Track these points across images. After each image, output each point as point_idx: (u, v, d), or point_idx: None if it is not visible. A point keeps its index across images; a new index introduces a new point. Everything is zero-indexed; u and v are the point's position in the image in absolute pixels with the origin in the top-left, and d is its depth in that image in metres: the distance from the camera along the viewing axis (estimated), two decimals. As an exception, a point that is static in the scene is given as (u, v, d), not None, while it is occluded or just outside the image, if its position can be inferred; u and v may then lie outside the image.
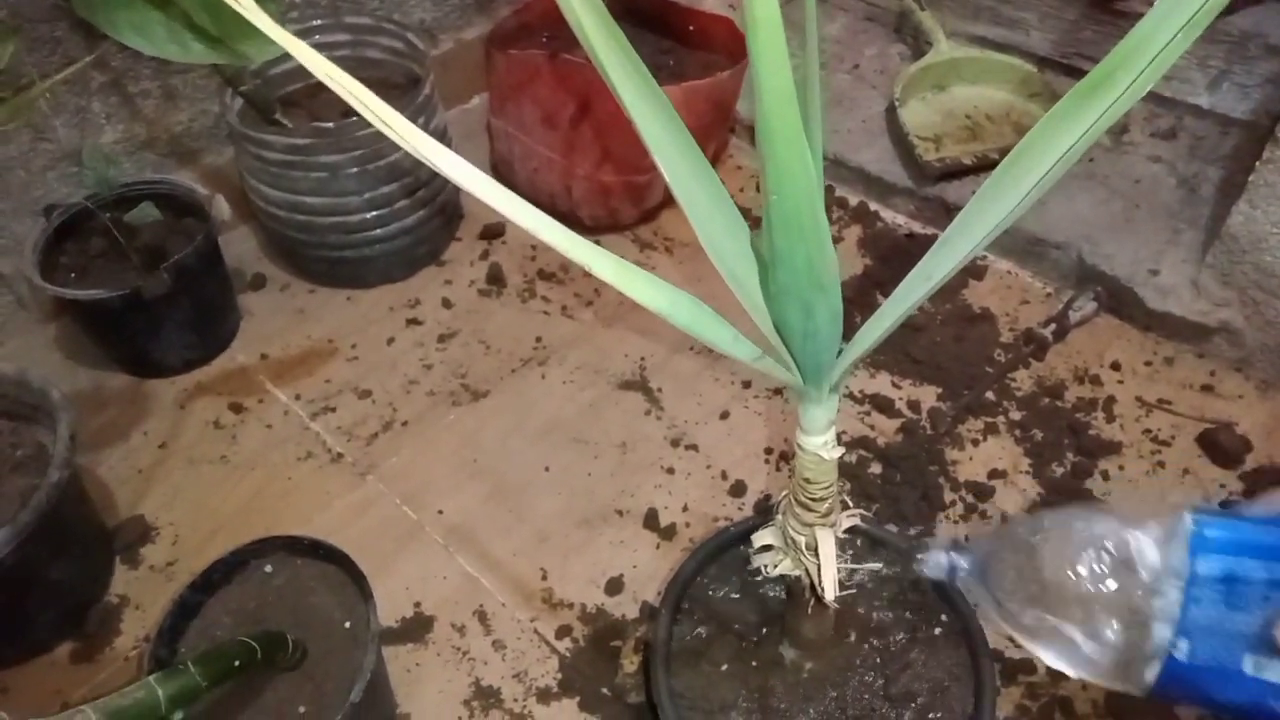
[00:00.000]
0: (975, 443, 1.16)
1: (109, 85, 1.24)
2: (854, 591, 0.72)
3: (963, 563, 0.51)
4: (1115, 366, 1.24)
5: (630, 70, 0.46)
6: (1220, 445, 1.13)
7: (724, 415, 1.20)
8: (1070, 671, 0.47)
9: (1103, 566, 0.46)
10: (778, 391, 1.22)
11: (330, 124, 1.18)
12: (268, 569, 0.91)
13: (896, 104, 1.44)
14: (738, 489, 1.12)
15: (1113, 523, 0.46)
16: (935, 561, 0.52)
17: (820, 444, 0.52)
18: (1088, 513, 0.48)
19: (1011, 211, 0.46)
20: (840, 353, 0.51)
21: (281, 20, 0.83)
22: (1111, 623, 0.45)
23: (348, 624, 0.87)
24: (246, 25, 0.76)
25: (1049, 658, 0.48)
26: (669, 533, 1.08)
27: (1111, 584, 0.45)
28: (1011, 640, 0.95)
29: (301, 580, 0.90)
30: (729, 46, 1.42)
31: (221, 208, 1.19)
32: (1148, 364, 1.25)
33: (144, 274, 1.15)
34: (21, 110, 0.86)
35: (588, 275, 1.27)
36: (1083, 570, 0.46)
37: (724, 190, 0.53)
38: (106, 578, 1.05)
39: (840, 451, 0.53)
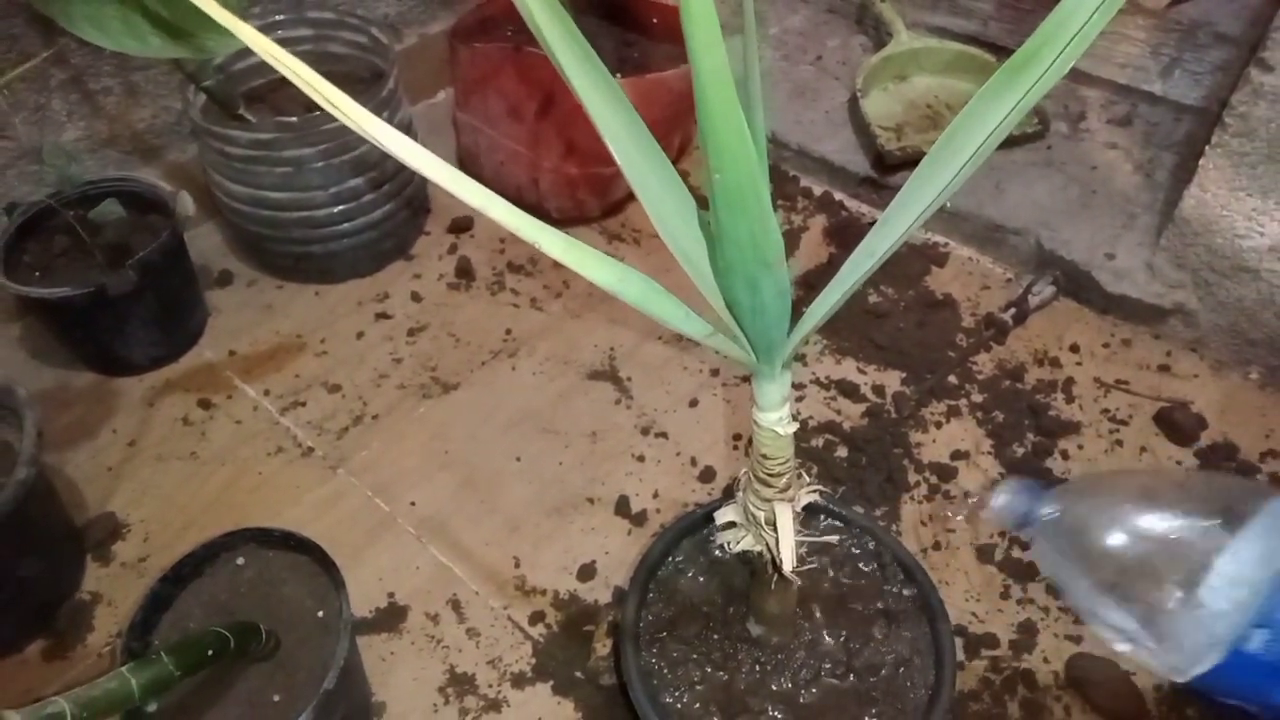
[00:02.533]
0: (938, 425, 1.19)
1: (69, 82, 1.24)
2: (814, 566, 0.74)
3: (1044, 511, 0.50)
4: (1074, 349, 1.27)
5: (579, 56, 0.47)
6: (1176, 423, 1.16)
7: (693, 403, 1.22)
8: (1119, 645, 0.47)
9: (1174, 547, 0.45)
10: (745, 379, 1.24)
11: (294, 118, 1.18)
12: (239, 561, 0.91)
13: (858, 95, 1.46)
14: (707, 475, 1.13)
15: (1190, 503, 0.46)
16: (1009, 507, 0.51)
17: (775, 420, 0.54)
18: (1167, 489, 0.47)
19: (947, 186, 0.47)
20: (790, 330, 0.52)
21: (243, 14, 0.83)
22: (1174, 597, 0.44)
23: (320, 613, 0.87)
24: (206, 18, 0.76)
25: (1103, 628, 0.48)
26: (640, 519, 1.09)
27: (1178, 563, 0.45)
28: (976, 615, 0.98)
29: (273, 572, 0.90)
30: (693, 38, 1.43)
31: (186, 204, 1.18)
32: (1105, 346, 1.28)
33: (109, 271, 1.14)
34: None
35: (556, 267, 1.28)
36: (1151, 545, 0.45)
37: (674, 172, 0.54)
38: (77, 575, 1.05)
39: (794, 427, 0.55)
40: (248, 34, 0.42)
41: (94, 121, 1.28)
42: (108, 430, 1.19)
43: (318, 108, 0.42)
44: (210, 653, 0.77)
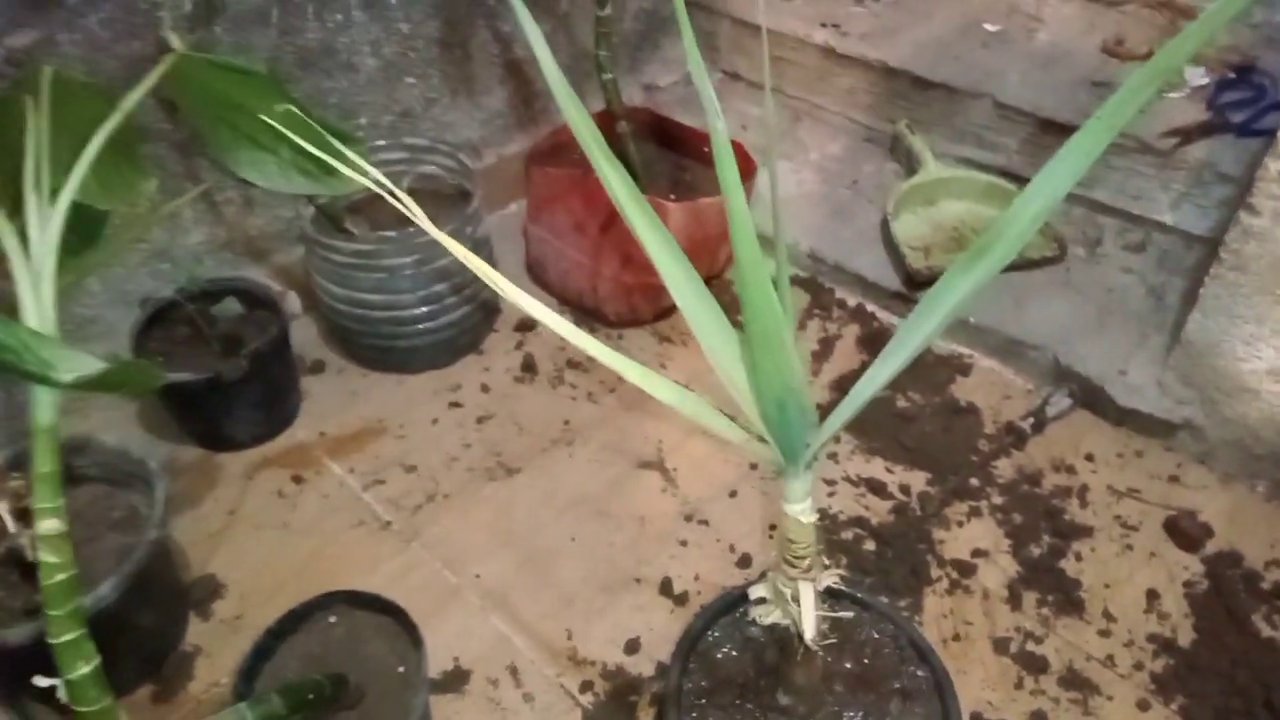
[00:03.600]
0: (960, 524, 1.29)
1: (199, 195, 1.43)
2: (834, 641, 0.84)
3: None
4: (1089, 457, 1.37)
5: (631, 195, 0.62)
6: (1184, 531, 1.25)
7: (733, 494, 1.33)
8: None
9: None
10: (781, 473, 1.36)
11: (392, 233, 1.36)
12: (331, 619, 1.04)
13: (890, 218, 1.61)
14: (744, 561, 1.24)
15: None
16: None
17: (799, 510, 0.66)
18: None
19: (926, 338, 0.60)
20: (813, 436, 0.65)
21: (364, 153, 1.01)
22: None
23: (400, 669, 0.99)
24: (335, 168, 0.93)
25: None
26: (682, 599, 1.20)
27: None
28: (991, 702, 1.06)
29: (360, 630, 1.03)
30: (739, 165, 1.60)
31: (293, 303, 1.36)
32: (1119, 455, 1.37)
33: (223, 360, 1.31)
34: (141, 226, 1.02)
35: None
36: None
37: (716, 305, 0.68)
38: (182, 628, 1.18)
39: (815, 517, 0.67)
40: (375, 177, 0.57)
41: (215, 228, 1.47)
42: (211, 500, 1.34)
43: (410, 223, 0.57)
44: (311, 697, 0.90)
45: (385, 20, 1.49)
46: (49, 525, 0.68)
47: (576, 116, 0.66)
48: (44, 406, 0.65)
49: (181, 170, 1.38)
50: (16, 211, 0.75)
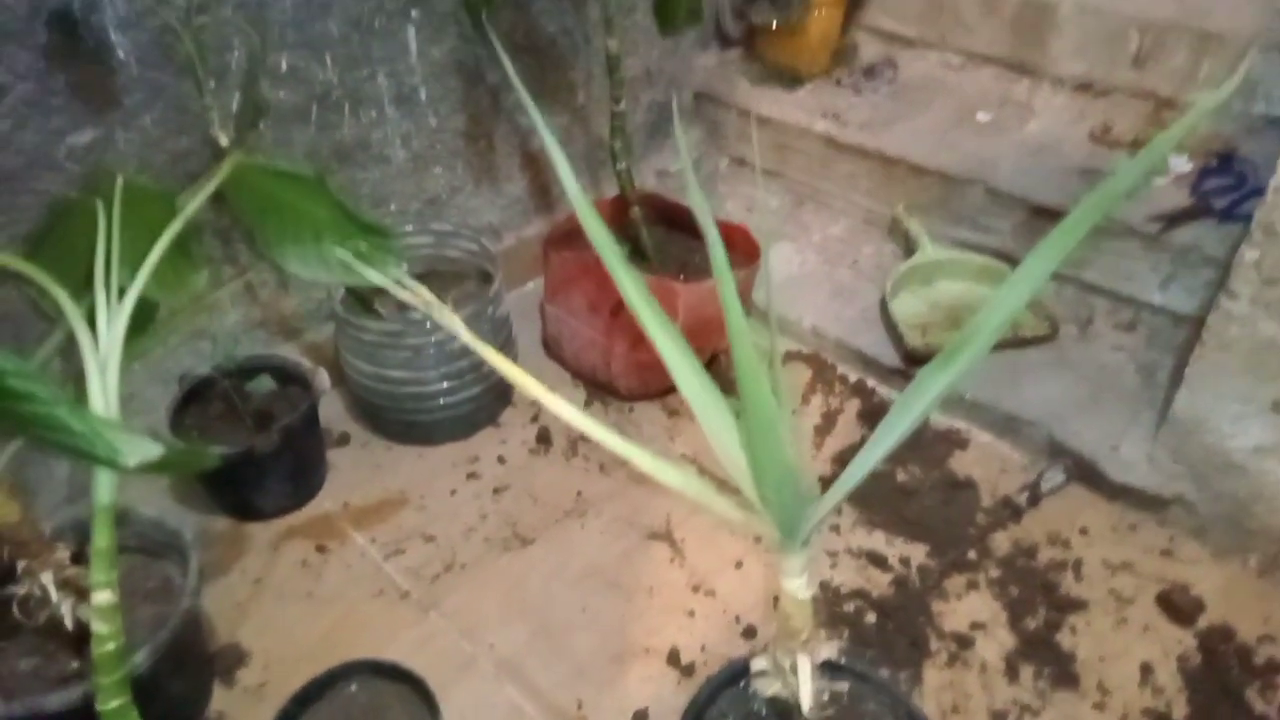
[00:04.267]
0: (959, 596, 1.33)
1: (235, 275, 1.52)
2: (833, 713, 0.88)
3: None
4: (1084, 531, 1.41)
5: (638, 291, 0.69)
6: (1177, 605, 1.29)
7: (738, 565, 1.38)
8: None
9: None
10: (786, 546, 1.41)
11: (418, 314, 1.44)
12: (353, 688, 1.09)
13: (888, 297, 1.69)
14: (750, 632, 1.29)
15: None
16: None
17: (796, 586, 0.71)
18: None
19: (919, 415, 0.66)
20: (808, 515, 0.71)
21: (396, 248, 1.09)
22: None
23: (419, 737, 1.04)
24: (374, 258, 1.02)
25: None
26: (689, 670, 1.24)
27: None
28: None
29: (381, 699, 1.08)
30: (744, 248, 1.69)
31: (323, 380, 1.43)
32: (1113, 529, 1.42)
33: (256, 434, 1.38)
34: (188, 314, 1.10)
35: (623, 438, 1.48)
36: None
37: (713, 386, 0.74)
38: (207, 695, 1.23)
39: (811, 593, 0.72)
40: (409, 288, 0.65)
41: (251, 308, 1.56)
42: (238, 569, 1.40)
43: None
44: (335, 763, 0.94)
45: (415, 116, 1.60)
46: (103, 597, 0.74)
47: (586, 212, 0.74)
48: (105, 487, 0.72)
49: (221, 254, 1.47)
50: (78, 297, 0.83)
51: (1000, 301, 0.63)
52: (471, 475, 1.55)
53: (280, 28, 1.36)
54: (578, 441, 1.61)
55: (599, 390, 1.72)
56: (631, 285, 0.71)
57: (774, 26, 1.92)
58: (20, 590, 1.03)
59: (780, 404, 0.68)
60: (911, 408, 0.67)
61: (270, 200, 0.91)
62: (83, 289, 0.81)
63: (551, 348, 1.77)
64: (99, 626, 0.75)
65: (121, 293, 0.78)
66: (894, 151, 1.81)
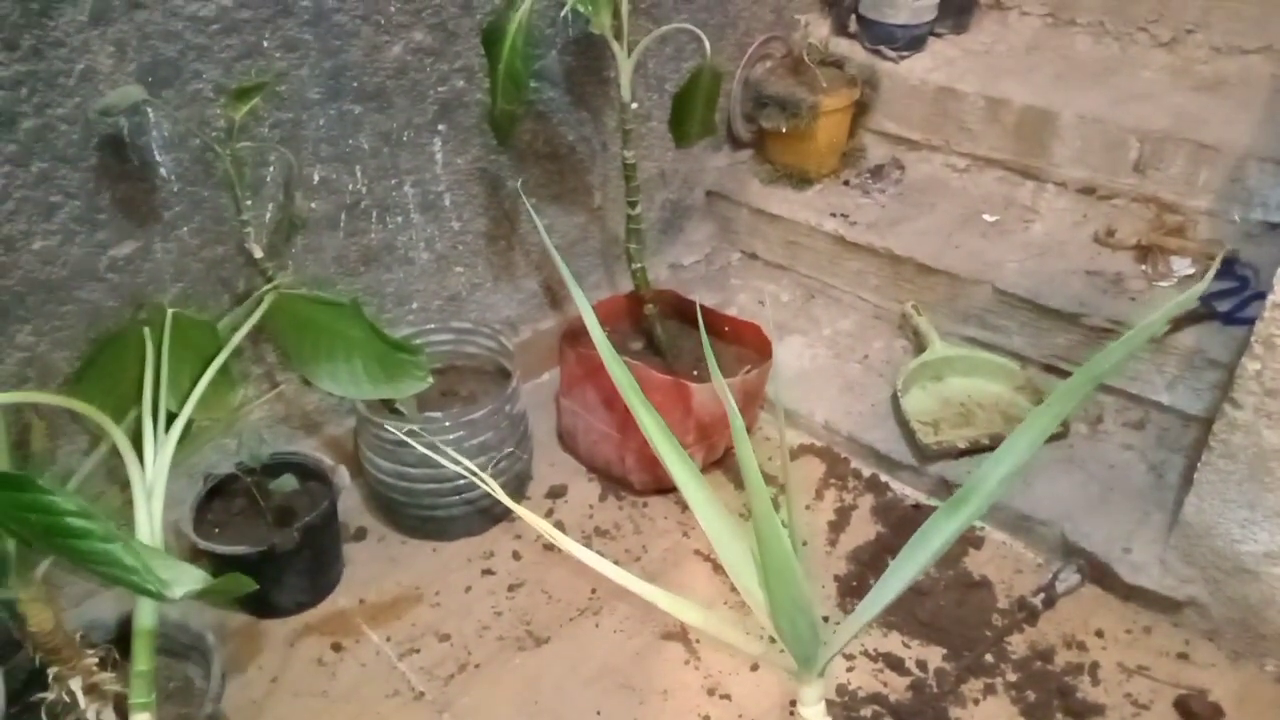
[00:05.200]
0: (976, 701, 1.32)
1: (261, 377, 1.56)
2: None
3: None
4: (1099, 634, 1.41)
5: (639, 402, 0.73)
6: (1194, 711, 1.28)
7: (754, 668, 1.38)
8: None
9: None
10: (801, 647, 1.41)
11: (438, 414, 1.48)
12: (369, 797, 1.09)
13: (899, 393, 1.72)
14: (765, 738, 1.28)
15: None
16: None
17: (813, 714, 0.73)
18: None
19: (912, 578, 0.69)
20: (820, 650, 0.72)
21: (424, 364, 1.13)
22: None
23: None
24: (400, 371, 1.05)
25: None
26: (705, 777, 1.24)
27: None
28: None
29: (397, 808, 1.08)
30: (757, 345, 1.73)
31: (343, 478, 1.46)
32: (1128, 632, 1.42)
33: (276, 531, 1.40)
34: (222, 427, 1.13)
35: (636, 533, 1.54)
36: None
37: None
38: (221, 798, 1.23)
39: (827, 721, 0.73)
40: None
41: (275, 405, 1.60)
42: (255, 667, 1.40)
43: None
44: None
45: (440, 220, 1.66)
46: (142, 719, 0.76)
47: (593, 324, 0.79)
48: (147, 613, 0.74)
49: (250, 355, 1.51)
50: (120, 419, 0.87)
51: (1009, 450, 0.66)
52: (486, 571, 1.56)
53: (314, 143, 1.43)
54: (592, 535, 1.63)
55: (613, 483, 1.74)
56: (637, 400, 0.74)
57: (783, 130, 2.00)
58: (50, 696, 1.05)
59: (797, 575, 0.70)
60: (929, 544, 0.70)
61: (307, 323, 0.96)
62: (127, 410, 0.84)
63: (566, 440, 1.80)
64: (135, 748, 0.76)
65: (171, 418, 0.82)
66: (901, 251, 1.86)
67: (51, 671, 1.04)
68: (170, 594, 0.65)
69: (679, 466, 0.75)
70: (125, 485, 0.95)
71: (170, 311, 0.87)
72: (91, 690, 1.07)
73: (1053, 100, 1.87)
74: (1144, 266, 1.75)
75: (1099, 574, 1.47)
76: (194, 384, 0.81)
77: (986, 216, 1.92)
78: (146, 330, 0.86)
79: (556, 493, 1.72)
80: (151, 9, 1.21)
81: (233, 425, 1.14)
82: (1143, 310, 1.63)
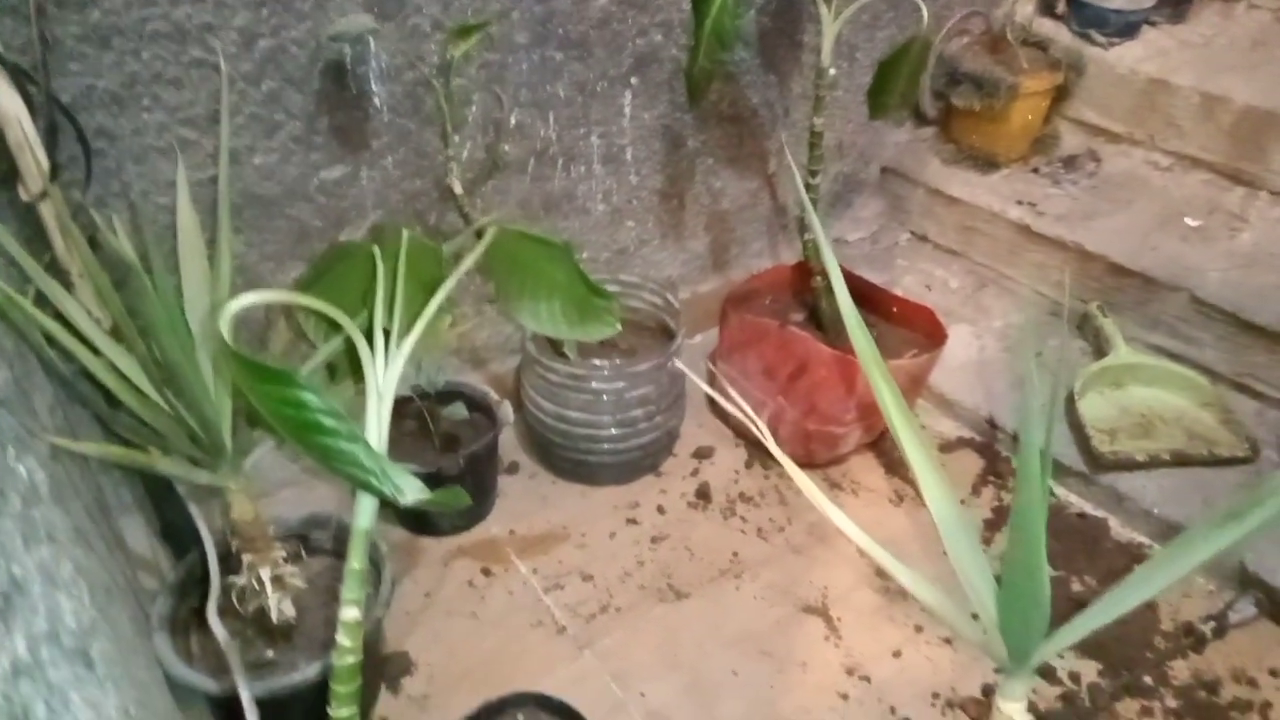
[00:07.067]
0: (1130, 722, 1.27)
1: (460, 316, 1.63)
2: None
3: None
4: (1274, 673, 1.32)
5: (879, 370, 0.71)
6: (1379, 770, 1.19)
7: (896, 654, 1.36)
8: None
9: None
10: (947, 641, 1.38)
11: (603, 362, 1.50)
12: (519, 718, 1.13)
13: (1076, 396, 1.64)
14: (905, 725, 1.27)
15: None
16: None
17: (1014, 709, 0.71)
18: None
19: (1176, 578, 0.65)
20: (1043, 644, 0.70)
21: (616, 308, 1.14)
22: None
23: (578, 777, 1.07)
24: (593, 315, 1.07)
25: None
26: (839, 753, 1.23)
27: None
28: None
29: (544, 733, 1.12)
30: (927, 329, 1.68)
31: (507, 413, 1.51)
32: (1308, 676, 1.32)
33: (443, 456, 1.46)
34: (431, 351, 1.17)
35: (782, 503, 1.53)
36: None
37: (959, 509, 0.75)
38: (374, 699, 1.30)
39: (1030, 718, 0.71)
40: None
41: (448, 337, 1.66)
42: (411, 581, 1.48)
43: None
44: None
45: (619, 174, 1.68)
46: (351, 614, 0.81)
47: (840, 288, 0.78)
48: (366, 514, 0.79)
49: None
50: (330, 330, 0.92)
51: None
52: (631, 520, 1.59)
53: (515, 87, 1.47)
54: (737, 501, 1.63)
55: (760, 452, 1.73)
56: (878, 371, 0.73)
57: (975, 110, 1.92)
58: (240, 580, 1.13)
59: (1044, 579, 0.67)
60: (1172, 568, 0.66)
61: (515, 261, 0.99)
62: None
63: (716, 404, 1.80)
64: (344, 640, 0.82)
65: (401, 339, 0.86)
66: (1093, 247, 1.76)
67: (246, 558, 1.13)
68: (402, 499, 0.69)
69: (912, 446, 0.74)
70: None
71: (406, 233, 0.91)
72: (277, 580, 1.15)
73: (1279, 102, 1.73)
74: (1367, 289, 1.60)
75: (1278, 610, 1.38)
76: (421, 305, 0.85)
77: (1189, 220, 1.80)
78: (376, 249, 0.90)
79: (703, 454, 1.72)
80: (385, -58, 1.26)
81: (430, 353, 1.19)
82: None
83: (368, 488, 0.68)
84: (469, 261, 0.92)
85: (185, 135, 1.23)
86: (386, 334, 0.85)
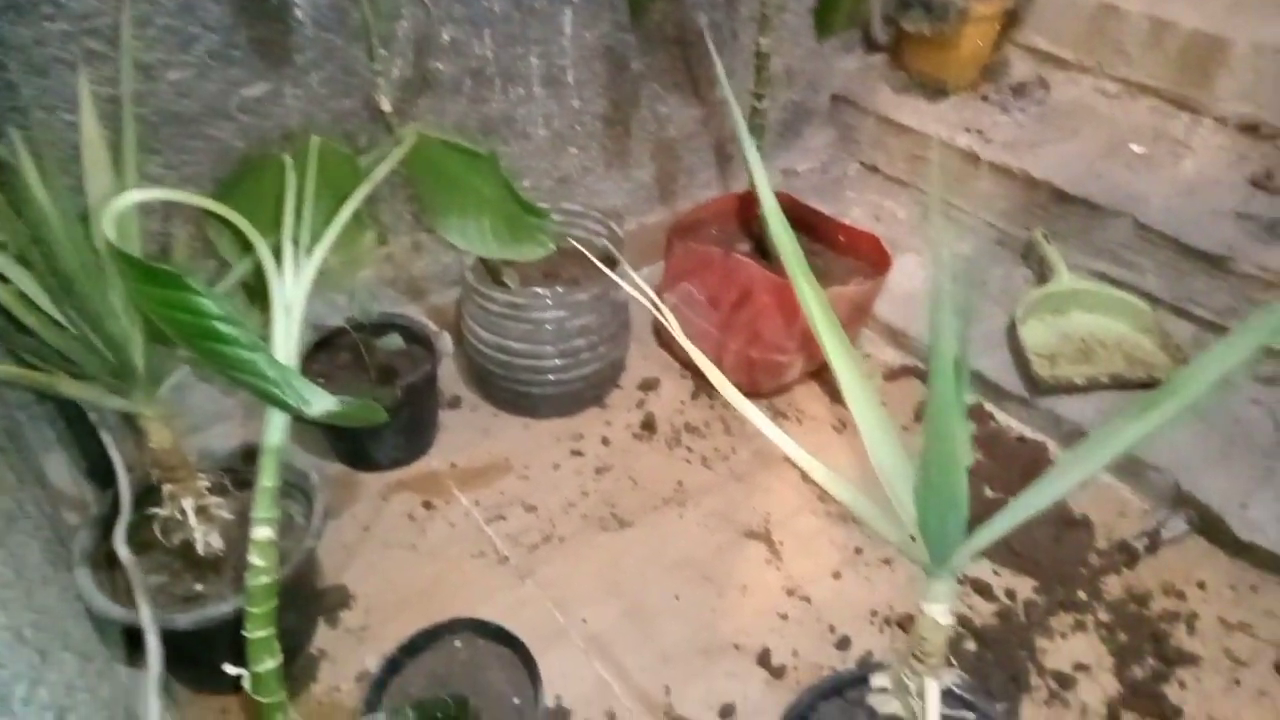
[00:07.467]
0: (1064, 636, 1.29)
1: (377, 234, 1.57)
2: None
3: None
4: (1201, 586, 1.36)
5: (810, 282, 0.70)
6: (1297, 676, 1.23)
7: (836, 575, 1.37)
8: None
9: None
10: (886, 561, 1.39)
11: (545, 291, 1.47)
12: (457, 644, 1.12)
13: (1018, 322, 1.64)
14: (844, 643, 1.28)
15: None
16: None
17: (938, 611, 0.70)
18: None
19: (1086, 475, 0.65)
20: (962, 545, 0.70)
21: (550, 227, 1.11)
22: None
23: (515, 700, 1.07)
24: (525, 234, 1.04)
25: None
26: (779, 672, 1.24)
27: None
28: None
29: (482, 658, 1.11)
30: (872, 258, 1.66)
31: (446, 344, 1.47)
32: (1232, 588, 1.36)
33: (379, 388, 1.42)
34: (349, 271, 1.13)
35: (727, 433, 1.53)
36: None
37: (877, 398, 0.74)
38: (311, 632, 1.28)
39: (951, 620, 0.71)
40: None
41: (384, 266, 1.61)
42: (349, 515, 1.45)
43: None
44: (439, 715, 0.98)
45: (561, 97, 1.62)
46: (263, 533, 0.78)
47: (775, 216, 0.75)
48: (276, 430, 0.76)
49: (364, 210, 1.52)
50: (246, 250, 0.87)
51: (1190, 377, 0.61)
52: (575, 452, 1.58)
53: (447, 1, 1.40)
54: (682, 431, 1.62)
55: (705, 382, 1.71)
56: (812, 297, 0.71)
57: (925, 34, 1.89)
58: (163, 512, 1.09)
59: (962, 474, 0.67)
60: (1079, 467, 0.66)
61: (442, 173, 0.95)
62: (263, 235, 0.85)
63: (662, 335, 1.78)
64: (256, 560, 0.79)
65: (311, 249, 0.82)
66: (1039, 174, 1.75)
67: (166, 489, 1.09)
68: (308, 410, 0.66)
69: (842, 362, 0.73)
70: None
71: (316, 139, 0.87)
72: (201, 512, 1.11)
73: (1226, 27, 1.72)
74: (1304, 214, 1.62)
75: (1209, 527, 1.41)
76: (333, 216, 0.81)
77: (1134, 147, 1.79)
78: (289, 159, 0.85)
79: (649, 385, 1.71)
80: None
81: (354, 274, 1.15)
82: (1298, 259, 1.51)
83: (271, 399, 0.65)
84: (385, 168, 0.87)
85: (92, 46, 1.16)
86: (297, 244, 0.81)
